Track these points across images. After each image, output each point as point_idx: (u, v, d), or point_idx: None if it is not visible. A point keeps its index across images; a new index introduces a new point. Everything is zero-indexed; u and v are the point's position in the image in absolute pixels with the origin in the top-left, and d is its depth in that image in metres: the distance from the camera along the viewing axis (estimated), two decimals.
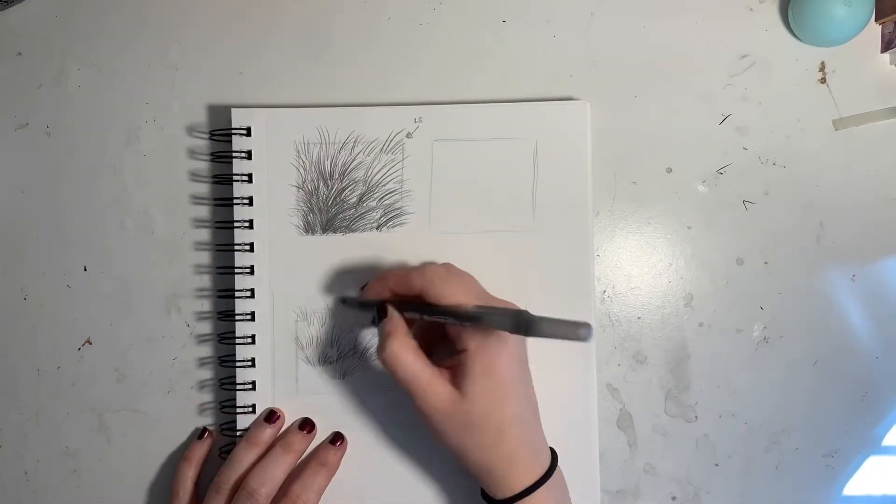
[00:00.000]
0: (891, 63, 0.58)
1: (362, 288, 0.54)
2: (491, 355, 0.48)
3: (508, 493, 0.49)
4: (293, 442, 0.55)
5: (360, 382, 0.56)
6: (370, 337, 0.56)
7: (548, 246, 0.56)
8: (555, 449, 0.52)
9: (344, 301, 0.56)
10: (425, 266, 0.50)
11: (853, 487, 0.58)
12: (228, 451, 0.56)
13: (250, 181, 0.56)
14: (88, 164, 0.58)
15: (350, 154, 0.56)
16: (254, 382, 0.56)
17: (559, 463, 0.51)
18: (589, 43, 0.58)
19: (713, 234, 0.58)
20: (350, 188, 0.56)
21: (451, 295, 0.48)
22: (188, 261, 0.58)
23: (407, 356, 0.48)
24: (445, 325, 0.49)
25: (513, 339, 0.48)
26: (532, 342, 0.49)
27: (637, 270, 0.58)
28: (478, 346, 0.48)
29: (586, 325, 0.39)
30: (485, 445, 0.48)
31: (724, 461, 0.58)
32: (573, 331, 0.39)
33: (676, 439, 0.58)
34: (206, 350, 0.58)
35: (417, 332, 0.51)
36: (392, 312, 0.51)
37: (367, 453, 0.56)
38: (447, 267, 0.51)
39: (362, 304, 0.54)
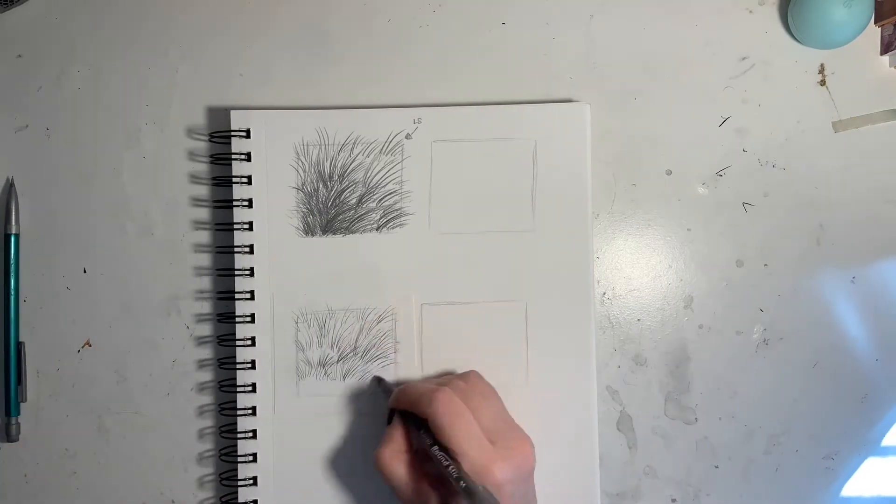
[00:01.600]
0: (890, 65, 0.58)
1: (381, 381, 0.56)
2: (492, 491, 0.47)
3: None
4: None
5: (361, 384, 0.56)
6: (371, 338, 0.56)
7: (547, 248, 0.56)
8: None
9: (379, 382, 0.56)
10: (436, 394, 0.49)
11: (853, 489, 0.58)
12: (229, 452, 0.56)
13: (250, 183, 0.56)
14: (88, 166, 0.58)
15: (349, 155, 0.56)
16: (254, 384, 0.56)
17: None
18: (589, 45, 0.58)
19: (713, 235, 0.58)
20: (350, 189, 0.56)
21: (453, 436, 0.48)
22: (188, 263, 0.58)
23: (394, 467, 0.49)
24: None
25: (517, 479, 0.48)
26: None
27: (637, 272, 0.58)
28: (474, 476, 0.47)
29: None
30: None
31: (724, 463, 0.58)
32: None
33: (676, 441, 0.58)
34: (206, 352, 0.58)
35: None
36: (395, 420, 0.51)
37: (368, 454, 0.56)
38: (467, 388, 0.51)
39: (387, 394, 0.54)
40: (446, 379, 0.53)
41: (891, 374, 0.58)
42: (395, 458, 0.50)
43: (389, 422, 0.52)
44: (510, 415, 0.52)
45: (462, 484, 0.45)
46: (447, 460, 0.47)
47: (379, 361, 0.56)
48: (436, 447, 0.48)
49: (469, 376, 0.53)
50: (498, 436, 0.49)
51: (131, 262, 0.58)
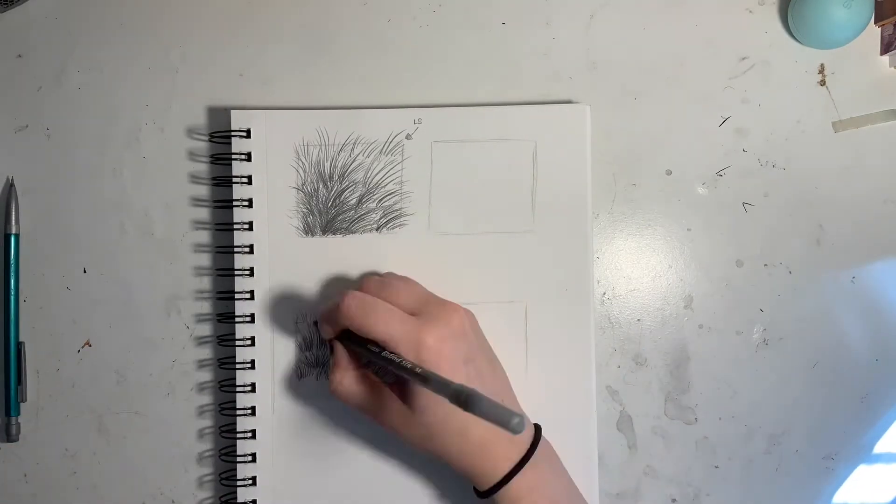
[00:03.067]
0: (890, 65, 0.58)
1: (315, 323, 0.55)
2: (430, 365, 0.47)
3: (491, 483, 0.49)
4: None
5: None
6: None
7: (547, 248, 0.56)
8: (539, 424, 0.52)
9: (316, 323, 0.56)
10: (344, 297, 0.49)
11: (853, 489, 0.58)
12: (228, 452, 0.56)
13: (250, 183, 0.56)
14: (88, 166, 0.58)
15: (349, 155, 0.56)
16: (254, 384, 0.56)
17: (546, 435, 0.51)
18: (589, 45, 0.58)
19: (713, 236, 0.58)
20: (350, 190, 0.56)
21: (371, 325, 0.48)
22: (188, 263, 0.58)
23: (349, 386, 0.50)
24: None
25: (449, 339, 0.48)
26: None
27: (637, 272, 0.58)
28: (414, 359, 0.47)
29: (520, 418, 0.39)
30: (453, 449, 0.48)
31: (724, 463, 0.58)
32: (508, 419, 0.39)
33: (676, 441, 0.58)
34: (206, 352, 0.58)
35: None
36: (335, 347, 0.52)
37: (369, 454, 0.56)
38: (379, 282, 0.51)
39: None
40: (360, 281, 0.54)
41: (890, 375, 0.58)
42: (345, 377, 0.50)
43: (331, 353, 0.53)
44: (432, 293, 0.52)
45: (413, 369, 0.45)
46: (385, 352, 0.47)
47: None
48: (370, 346, 0.48)
49: (385, 273, 0.54)
50: (422, 310, 0.49)
51: (131, 262, 0.58)
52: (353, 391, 0.50)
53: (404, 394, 0.49)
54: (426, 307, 0.50)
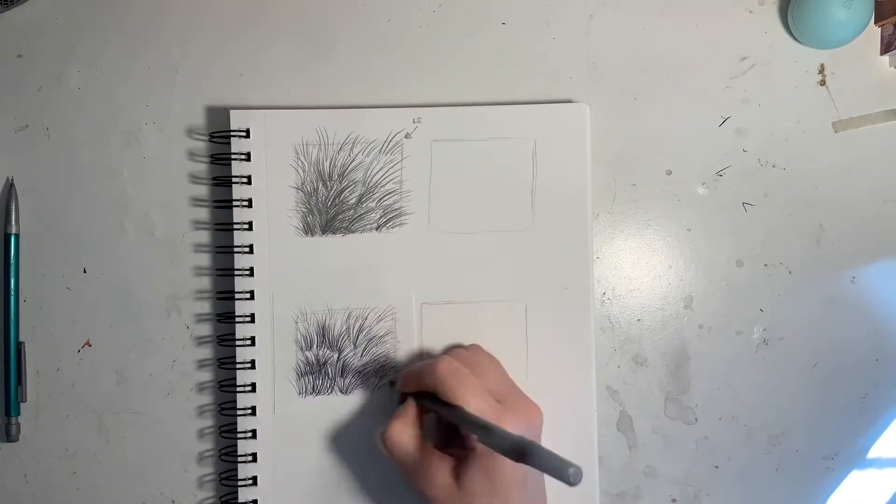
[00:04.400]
0: (890, 65, 0.58)
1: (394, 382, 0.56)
2: (495, 455, 0.47)
3: None
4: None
5: (361, 384, 0.56)
6: (371, 337, 0.56)
7: (547, 247, 0.56)
8: None
9: (393, 385, 0.56)
10: (439, 362, 0.50)
11: (853, 489, 0.58)
12: (228, 452, 0.56)
13: (249, 183, 0.56)
14: (88, 166, 0.58)
15: (349, 155, 0.56)
16: (254, 384, 0.56)
17: None
18: (588, 45, 0.58)
19: (713, 235, 0.58)
20: (349, 189, 0.56)
21: (460, 395, 0.48)
22: (188, 262, 0.58)
23: (402, 438, 0.49)
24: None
25: (527, 432, 0.48)
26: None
27: (637, 272, 0.58)
28: (484, 447, 0.47)
29: (576, 468, 0.40)
30: None
31: (724, 463, 0.58)
32: (564, 470, 0.40)
33: (676, 441, 0.58)
34: (206, 352, 0.58)
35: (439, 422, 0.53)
36: (408, 401, 0.51)
37: (369, 453, 0.56)
38: (469, 355, 0.52)
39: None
40: (449, 350, 0.54)
41: (890, 375, 0.58)
42: (403, 432, 0.50)
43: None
44: (516, 384, 0.53)
45: (478, 421, 0.46)
46: (461, 410, 0.48)
47: (379, 361, 0.56)
48: (450, 415, 0.48)
49: (471, 346, 0.54)
50: (505, 397, 0.50)
51: (131, 262, 0.58)
52: (402, 443, 0.49)
53: (458, 470, 0.48)
54: (509, 396, 0.51)
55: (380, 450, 0.51)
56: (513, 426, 0.47)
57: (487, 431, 0.45)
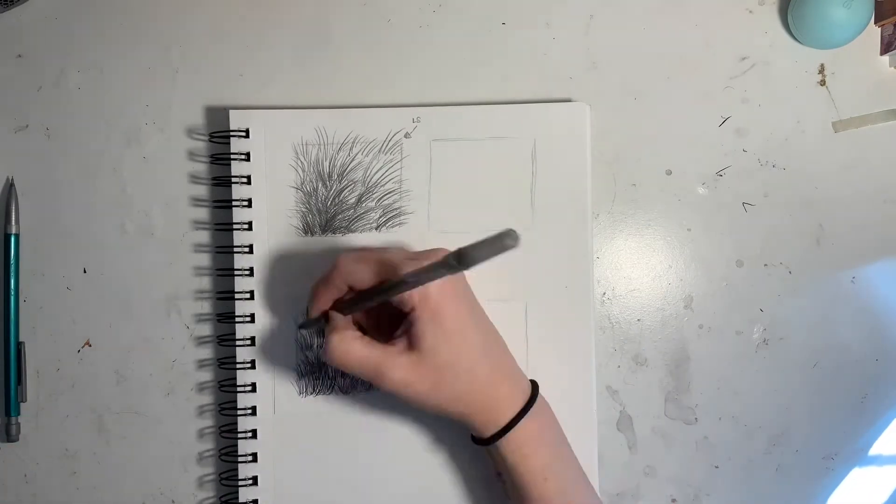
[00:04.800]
0: (890, 65, 0.58)
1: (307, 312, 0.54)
2: (434, 304, 0.47)
3: (495, 428, 0.49)
4: None
5: (360, 382, 0.56)
6: None
7: (547, 247, 0.56)
8: (535, 381, 0.53)
9: (302, 326, 0.56)
10: (339, 257, 0.50)
11: (853, 489, 0.58)
12: (229, 452, 0.56)
13: (249, 183, 0.56)
14: (88, 166, 0.58)
15: (348, 155, 0.56)
16: (254, 384, 0.56)
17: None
18: (588, 45, 0.58)
19: (713, 235, 0.58)
20: (349, 189, 0.56)
21: (372, 272, 0.48)
22: (188, 262, 0.58)
23: (350, 345, 0.48)
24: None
25: (449, 281, 0.48)
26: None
27: (637, 272, 0.58)
28: (419, 301, 0.47)
29: (510, 233, 0.39)
30: (461, 392, 0.49)
31: (724, 463, 0.58)
32: (501, 241, 0.39)
33: (676, 441, 0.58)
34: (206, 352, 0.58)
35: (367, 319, 0.52)
36: (331, 315, 0.51)
37: (369, 452, 0.56)
38: (364, 248, 0.53)
39: (316, 324, 0.53)
40: None
41: (890, 375, 0.58)
42: (344, 340, 0.48)
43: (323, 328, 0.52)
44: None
45: (402, 276, 0.46)
46: (394, 293, 0.47)
47: None
48: (378, 298, 0.48)
49: (361, 248, 0.55)
50: (411, 259, 0.49)
51: (131, 262, 0.58)
52: (353, 350, 0.48)
53: (410, 341, 0.48)
54: (413, 257, 0.50)
55: (332, 366, 0.50)
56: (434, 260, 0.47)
57: (416, 274, 0.45)
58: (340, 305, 0.50)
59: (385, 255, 0.49)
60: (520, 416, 0.50)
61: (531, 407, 0.50)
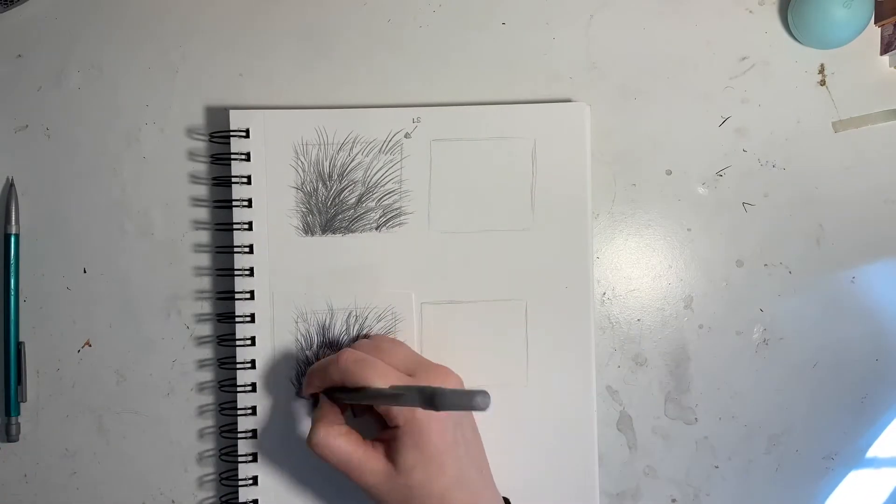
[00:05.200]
0: (890, 65, 0.58)
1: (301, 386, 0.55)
2: (420, 426, 0.47)
3: None
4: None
5: None
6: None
7: (547, 247, 0.56)
8: (508, 499, 0.52)
9: (298, 394, 0.56)
10: (341, 354, 0.50)
11: (853, 489, 0.58)
12: (229, 452, 0.56)
13: (249, 183, 0.56)
14: (88, 166, 0.58)
15: (349, 155, 0.56)
16: (254, 384, 0.56)
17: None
18: (589, 45, 0.58)
19: (713, 236, 0.58)
20: (349, 189, 0.56)
21: (366, 378, 0.48)
22: (188, 263, 0.58)
23: (333, 441, 0.49)
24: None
25: None
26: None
27: (637, 272, 0.58)
28: (406, 420, 0.48)
29: (483, 393, 0.40)
30: None
31: (724, 463, 0.58)
32: (471, 399, 0.40)
33: (676, 441, 0.58)
34: (206, 352, 0.58)
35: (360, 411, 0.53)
36: (321, 401, 0.51)
37: None
38: (371, 342, 0.53)
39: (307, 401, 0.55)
40: (352, 343, 0.55)
41: (890, 375, 0.58)
42: (330, 434, 0.49)
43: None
44: (426, 359, 0.53)
45: (386, 391, 0.46)
46: (378, 401, 0.48)
47: None
48: (365, 400, 0.48)
49: (374, 336, 0.55)
50: (415, 370, 0.50)
51: (131, 262, 0.58)
52: (336, 446, 0.49)
53: (390, 452, 0.48)
54: (419, 369, 0.50)
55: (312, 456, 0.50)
56: None
57: (398, 396, 0.46)
58: (332, 393, 0.51)
59: (385, 365, 0.49)
60: None
61: None
